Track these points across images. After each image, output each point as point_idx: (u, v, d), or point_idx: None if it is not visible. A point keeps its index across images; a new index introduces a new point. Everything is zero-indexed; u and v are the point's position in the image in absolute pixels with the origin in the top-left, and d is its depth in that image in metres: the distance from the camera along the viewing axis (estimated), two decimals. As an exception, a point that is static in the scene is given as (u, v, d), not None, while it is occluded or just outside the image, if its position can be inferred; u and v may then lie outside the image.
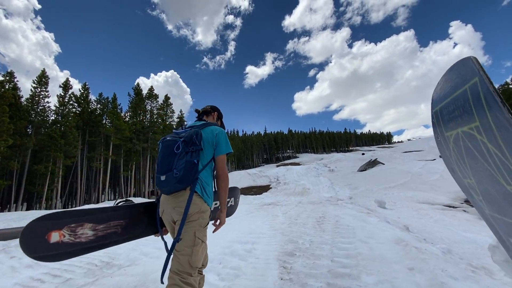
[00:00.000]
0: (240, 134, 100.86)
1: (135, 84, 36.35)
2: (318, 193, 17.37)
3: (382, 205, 9.49)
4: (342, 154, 76.69)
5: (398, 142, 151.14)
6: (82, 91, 30.83)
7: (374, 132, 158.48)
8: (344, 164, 41.23)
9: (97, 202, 27.05)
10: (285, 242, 3.29)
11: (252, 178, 36.29)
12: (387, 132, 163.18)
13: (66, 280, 2.47)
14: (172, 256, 1.38)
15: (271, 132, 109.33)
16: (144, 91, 37.17)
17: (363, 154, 64.29)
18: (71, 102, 28.27)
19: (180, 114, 44.36)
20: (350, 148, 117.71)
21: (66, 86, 27.98)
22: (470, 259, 3.11)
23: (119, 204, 1.74)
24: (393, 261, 2.32)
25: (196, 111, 1.82)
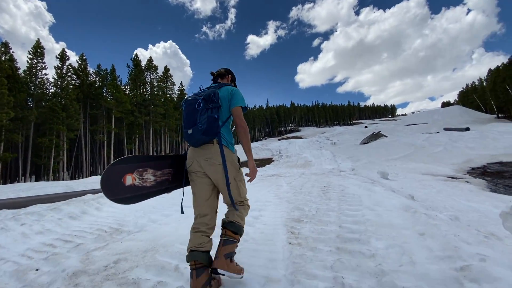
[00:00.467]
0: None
1: (134, 55, 35.12)
2: (320, 165, 17.50)
3: (385, 176, 9.53)
4: (344, 127, 76.26)
5: (402, 115, 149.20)
6: (79, 62, 29.91)
7: (378, 105, 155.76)
8: (347, 137, 41.11)
9: (103, 174, 27.66)
10: (292, 209, 3.30)
11: (254, 151, 36.53)
12: (391, 105, 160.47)
13: (77, 245, 2.51)
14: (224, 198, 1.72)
15: (274, 105, 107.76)
16: (143, 63, 36.05)
17: (365, 127, 63.86)
18: (69, 74, 27.59)
19: (180, 86, 43.50)
20: (353, 122, 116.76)
21: (62, 57, 27.09)
22: (477, 226, 3.12)
23: (167, 155, 1.85)
24: (403, 227, 2.30)
25: (212, 73, 1.92)
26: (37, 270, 1.96)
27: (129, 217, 3.73)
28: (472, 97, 69.75)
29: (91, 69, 31.86)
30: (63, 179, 25.16)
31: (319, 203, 3.57)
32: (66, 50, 27.76)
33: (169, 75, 39.77)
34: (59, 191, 6.36)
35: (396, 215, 2.67)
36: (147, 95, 34.64)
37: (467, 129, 25.63)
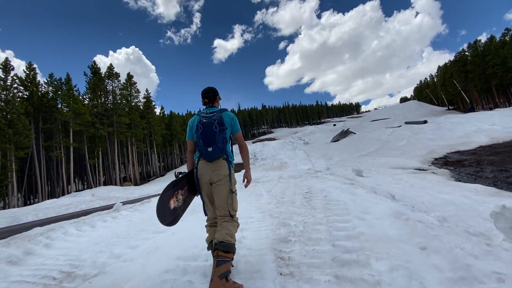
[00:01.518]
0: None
1: (92, 62, 32.64)
2: (296, 166, 17.60)
3: (360, 173, 9.74)
4: (315, 127, 78.73)
5: (366, 111, 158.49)
6: (27, 72, 26.94)
7: (344, 103, 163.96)
8: (318, 136, 42.34)
9: (63, 195, 25.11)
10: (277, 225, 3.00)
11: (228, 156, 36.04)
12: (355, 103, 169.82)
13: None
14: (218, 211, 1.97)
15: (245, 108, 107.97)
16: (103, 71, 33.66)
17: (334, 125, 66.53)
18: (15, 86, 24.68)
19: (146, 93, 41.39)
20: (322, 120, 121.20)
21: (6, 67, 24.16)
22: (462, 225, 3.09)
23: (180, 174, 2.11)
24: (400, 239, 2.11)
25: (204, 103, 2.20)
26: None
27: (87, 253, 3.14)
28: (425, 92, 76.39)
29: (42, 79, 28.93)
30: (13, 206, 22.28)
31: (304, 214, 3.31)
32: (14, 59, 24.97)
33: (132, 82, 37.61)
34: (0, 225, 5.38)
35: (389, 224, 2.49)
36: (109, 105, 32.33)
37: (425, 121, 27.73)
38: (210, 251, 1.84)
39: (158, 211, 1.77)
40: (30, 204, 25.82)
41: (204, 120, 1.95)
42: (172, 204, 1.90)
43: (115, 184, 30.31)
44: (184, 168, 38.55)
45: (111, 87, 33.56)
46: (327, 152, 21.49)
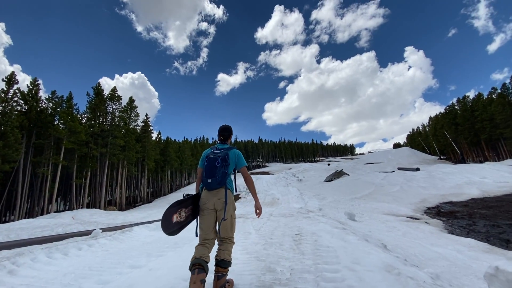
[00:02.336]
0: (210, 141, 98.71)
1: (96, 83, 33.54)
2: (288, 204, 17.22)
3: (352, 217, 9.52)
4: (309, 164, 78.94)
5: (360, 154, 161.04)
6: (31, 87, 27.40)
7: (339, 144, 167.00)
8: (312, 174, 42.25)
9: (42, 214, 23.79)
10: (262, 270, 2.81)
11: (220, 187, 35.32)
12: (350, 144, 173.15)
13: None
14: (222, 233, 2.31)
15: (242, 140, 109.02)
16: (106, 92, 34.44)
17: (328, 164, 66.89)
18: (15, 99, 24.88)
19: (145, 118, 41.93)
20: (317, 159, 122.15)
21: (10, 80, 24.62)
22: (456, 284, 2.94)
23: (187, 196, 2.47)
24: (391, 298, 1.98)
25: (220, 140, 2.67)
26: None
27: (52, 286, 2.85)
28: (418, 140, 78.79)
29: (45, 95, 29.32)
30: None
31: (292, 259, 3.14)
32: (21, 73, 25.77)
33: (133, 106, 38.30)
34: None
35: (380, 278, 2.36)
36: (106, 126, 32.43)
37: (417, 169, 28.12)
38: (191, 265, 2.06)
39: (162, 222, 2.17)
40: (5, 222, 24.24)
41: (211, 156, 2.37)
42: (175, 218, 2.27)
43: (99, 207, 28.98)
44: (173, 196, 37.46)
45: (111, 108, 34.02)
46: (321, 192, 21.25)
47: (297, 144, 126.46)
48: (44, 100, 28.72)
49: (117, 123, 33.69)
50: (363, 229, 7.27)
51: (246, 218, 8.75)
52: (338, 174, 29.55)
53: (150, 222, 9.72)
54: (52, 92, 29.56)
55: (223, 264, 2.22)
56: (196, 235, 2.35)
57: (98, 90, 32.74)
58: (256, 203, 2.46)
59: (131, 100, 38.46)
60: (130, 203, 36.67)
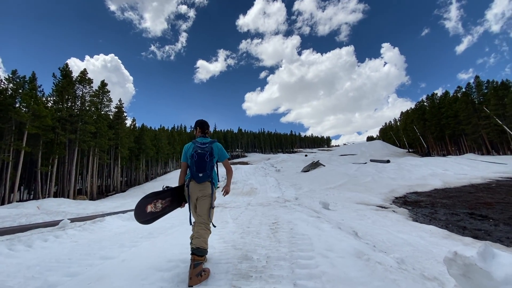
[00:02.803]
0: (188, 130, 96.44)
1: (64, 64, 30.98)
2: (266, 193, 17.49)
3: (326, 206, 9.92)
4: (287, 155, 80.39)
5: (336, 146, 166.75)
6: (-14, 64, 24.64)
7: (316, 135, 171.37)
8: (289, 164, 43.12)
9: (2, 204, 22.06)
10: (239, 259, 2.84)
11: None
12: (326, 136, 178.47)
13: None
14: (198, 218, 2.53)
15: (221, 130, 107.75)
16: (75, 74, 32.01)
17: (306, 155, 68.56)
18: (-32, 78, 22.30)
19: (119, 103, 39.76)
20: (295, 150, 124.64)
21: (-39, 56, 21.91)
22: (418, 268, 3.18)
23: (167, 188, 2.70)
24: (361, 281, 2.09)
25: (198, 132, 2.90)
26: None
27: (14, 280, 2.67)
28: (389, 134, 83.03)
29: (4, 75, 26.56)
30: None
31: (269, 247, 3.20)
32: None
33: (106, 90, 36.07)
34: None
35: (351, 263, 2.48)
36: (75, 110, 30.32)
37: (388, 161, 29.76)
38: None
39: (135, 211, 2.39)
40: (-43, 212, 22.12)
41: (199, 151, 2.59)
42: (149, 208, 2.49)
43: (68, 197, 27.44)
44: (149, 185, 36.46)
45: (81, 92, 31.76)
46: (297, 182, 21.80)
47: (276, 135, 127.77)
48: (4, 80, 26.04)
49: (87, 108, 31.60)
50: (337, 218, 7.60)
51: (223, 208, 8.77)
52: (315, 165, 30.44)
53: (123, 212, 9.39)
54: (13, 72, 26.83)
55: (198, 252, 2.32)
56: (190, 224, 2.66)
57: (66, 71, 30.30)
58: (227, 187, 2.81)
59: (103, 84, 36.17)
60: (102, 192, 35.15)
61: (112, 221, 6.99)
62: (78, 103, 31.33)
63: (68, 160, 29.45)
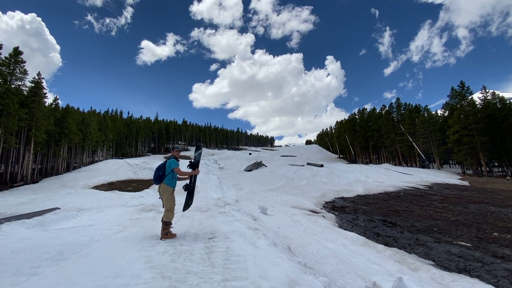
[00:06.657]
0: (125, 115, 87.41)
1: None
2: (207, 193, 17.05)
3: (264, 211, 10.19)
4: (232, 152, 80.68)
5: (279, 146, 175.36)
6: None
7: (261, 135, 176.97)
8: (233, 162, 43.27)
9: None
10: (165, 293, 2.54)
11: (132, 169, 31.97)
12: (271, 136, 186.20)
13: None
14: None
15: (164, 119, 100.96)
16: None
17: (250, 154, 70.02)
18: None
19: (37, 77, 33.15)
20: (240, 147, 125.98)
21: None
22: (341, 283, 3.42)
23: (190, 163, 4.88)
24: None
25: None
26: None
27: None
28: (325, 139, 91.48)
29: None
30: None
31: (201, 275, 2.97)
32: None
33: (19, 59, 29.54)
34: None
35: (282, 296, 2.46)
36: (-29, 78, 23.93)
37: (322, 165, 32.59)
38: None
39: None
40: None
41: (161, 163, 4.94)
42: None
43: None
44: (74, 175, 31.54)
45: (-19, 56, 25.22)
46: (239, 181, 21.95)
47: (222, 130, 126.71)
48: None
49: (-11, 78, 25.32)
50: (273, 225, 7.85)
51: (158, 212, 8.09)
52: (257, 165, 31.25)
53: (29, 215, 7.73)
54: None
55: (164, 223, 4.62)
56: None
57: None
58: (184, 178, 5.30)
59: (17, 52, 29.48)
60: (6, 183, 28.82)
61: (10, 230, 5.63)
62: (-25, 69, 24.83)
63: (-46, 140, 23.11)
